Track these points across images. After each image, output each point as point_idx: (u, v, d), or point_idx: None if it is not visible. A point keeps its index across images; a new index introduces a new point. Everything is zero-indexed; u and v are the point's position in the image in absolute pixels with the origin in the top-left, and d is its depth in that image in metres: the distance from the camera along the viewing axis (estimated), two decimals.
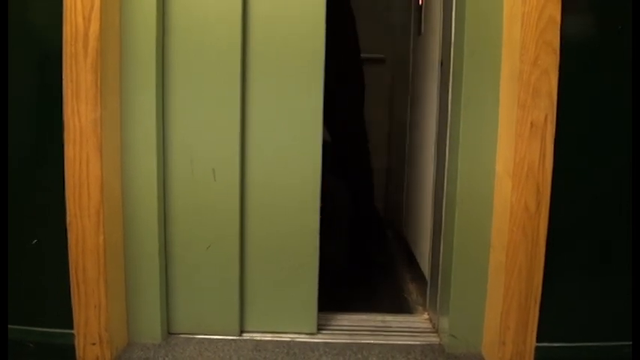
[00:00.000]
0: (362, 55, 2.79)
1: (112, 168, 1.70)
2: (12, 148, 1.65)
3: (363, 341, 1.93)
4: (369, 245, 2.77)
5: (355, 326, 2.06)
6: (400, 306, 2.30)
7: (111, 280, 1.71)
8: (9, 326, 1.69)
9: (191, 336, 1.92)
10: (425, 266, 2.27)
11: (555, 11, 1.57)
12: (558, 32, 1.58)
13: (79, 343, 1.71)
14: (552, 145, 1.61)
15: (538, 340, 1.69)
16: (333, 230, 2.49)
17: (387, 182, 3.53)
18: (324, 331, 2.00)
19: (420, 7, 2.56)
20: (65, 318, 1.70)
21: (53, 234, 1.67)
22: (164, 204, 1.82)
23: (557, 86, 1.60)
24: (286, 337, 1.94)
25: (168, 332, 1.91)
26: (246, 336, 1.94)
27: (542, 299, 1.66)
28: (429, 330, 2.04)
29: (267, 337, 1.94)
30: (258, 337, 1.94)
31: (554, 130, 1.61)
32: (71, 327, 1.70)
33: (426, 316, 2.17)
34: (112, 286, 1.71)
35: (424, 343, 1.93)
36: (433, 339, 1.96)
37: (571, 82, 1.61)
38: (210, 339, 1.91)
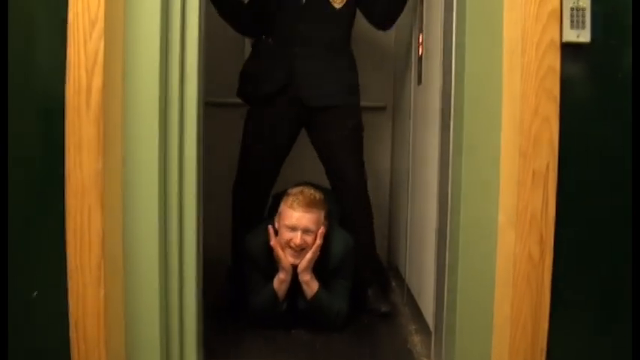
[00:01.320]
0: (363, 103, 2.82)
1: (114, 220, 1.69)
2: (13, 199, 1.65)
3: None
4: (372, 295, 2.73)
5: None
6: (404, 358, 2.26)
7: (111, 339, 1.67)
8: None
9: None
10: (429, 317, 2.24)
11: (555, 61, 1.59)
12: (558, 81, 1.59)
13: None
14: (555, 194, 1.61)
15: None
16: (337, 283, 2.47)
17: (389, 229, 3.52)
18: None
19: (420, 57, 2.59)
20: None
21: (53, 287, 1.65)
22: (165, 257, 1.80)
23: (558, 134, 1.60)
24: None
25: None
26: None
27: (547, 352, 1.63)
28: None
29: None
30: None
31: (556, 178, 1.61)
32: None
33: None
34: (112, 344, 1.68)
35: None
36: None
37: (572, 129, 1.62)
38: None
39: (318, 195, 2.39)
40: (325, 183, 2.76)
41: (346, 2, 2.68)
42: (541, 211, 1.60)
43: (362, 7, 2.75)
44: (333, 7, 2.66)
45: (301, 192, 2.37)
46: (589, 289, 1.66)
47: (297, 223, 2.30)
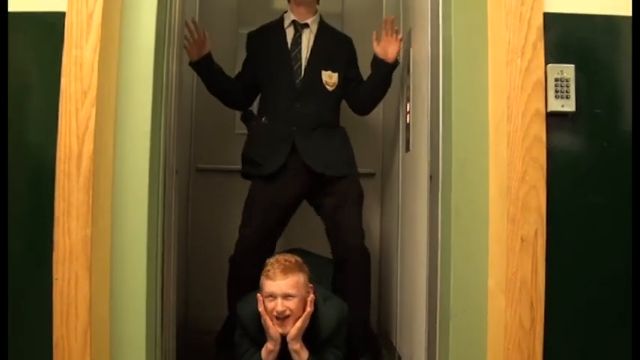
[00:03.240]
0: None
1: (101, 287, 1.68)
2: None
3: None
4: None
5: None
6: None
7: None
8: None
9: None
10: None
11: (540, 131, 1.62)
12: (544, 150, 1.62)
13: None
14: (544, 260, 1.61)
15: None
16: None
17: (379, 295, 3.49)
18: None
19: (408, 125, 2.63)
20: None
21: (40, 355, 1.61)
22: (155, 323, 1.78)
23: (545, 201, 1.62)
24: None
25: None
26: None
27: None
28: None
29: None
30: None
31: (545, 244, 1.61)
32: None
33: None
34: None
35: None
36: None
37: (559, 196, 1.64)
38: None
39: (294, 259, 2.37)
40: (319, 248, 2.78)
41: (338, 85, 2.77)
42: (531, 278, 1.60)
43: (344, 95, 2.84)
44: (327, 89, 2.74)
45: (276, 260, 2.35)
46: (583, 357, 1.64)
47: (276, 290, 2.28)
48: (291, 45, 2.79)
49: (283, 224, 2.81)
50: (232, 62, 3.20)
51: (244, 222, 2.77)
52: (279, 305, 2.26)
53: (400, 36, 2.63)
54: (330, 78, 2.76)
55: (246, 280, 2.59)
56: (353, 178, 2.79)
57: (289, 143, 2.69)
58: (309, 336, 2.35)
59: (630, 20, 1.68)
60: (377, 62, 2.70)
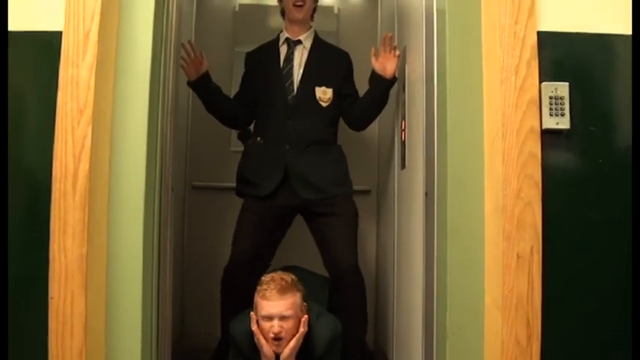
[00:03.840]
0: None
1: (97, 305, 1.67)
2: None
3: None
4: None
5: None
6: None
7: None
8: None
9: None
10: None
11: (535, 148, 1.63)
12: (539, 167, 1.62)
13: None
14: (540, 277, 1.61)
15: None
16: None
17: (375, 313, 3.48)
18: None
19: (404, 142, 2.64)
20: None
21: None
22: (150, 342, 1.77)
23: (541, 218, 1.62)
24: None
25: None
26: None
27: None
28: None
29: None
30: None
31: (540, 260, 1.62)
32: None
33: None
34: None
35: None
36: None
37: (555, 213, 1.64)
38: None
39: (290, 278, 2.35)
40: (316, 265, 2.77)
41: (332, 101, 2.77)
42: (527, 295, 1.60)
43: (340, 110, 2.84)
44: (321, 105, 2.75)
45: (272, 279, 2.33)
46: None
47: (273, 312, 2.25)
48: (284, 62, 2.80)
49: (277, 240, 2.80)
50: (229, 81, 3.21)
51: (237, 239, 2.76)
52: (275, 327, 2.24)
53: (398, 52, 2.65)
54: (324, 94, 2.76)
55: (239, 297, 2.58)
56: (346, 198, 2.78)
57: (282, 164, 2.69)
58: (302, 354, 2.33)
59: (623, 39, 1.69)
60: (375, 78, 2.71)
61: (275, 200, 2.69)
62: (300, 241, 2.91)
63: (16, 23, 1.70)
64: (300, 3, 2.76)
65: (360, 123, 2.90)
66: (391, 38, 2.66)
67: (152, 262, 1.81)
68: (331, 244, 2.70)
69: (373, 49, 2.72)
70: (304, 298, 2.35)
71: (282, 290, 2.27)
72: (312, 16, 2.87)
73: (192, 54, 2.68)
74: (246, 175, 2.78)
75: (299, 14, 2.77)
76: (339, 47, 3.02)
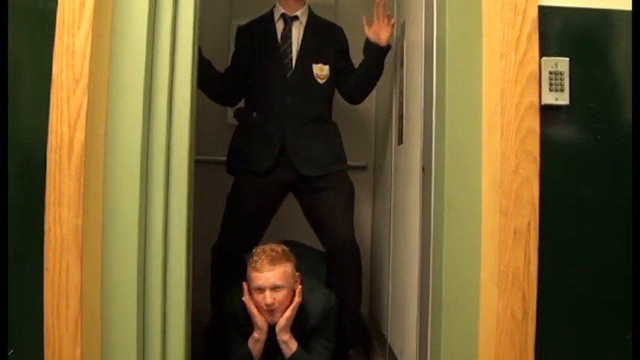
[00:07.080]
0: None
1: (92, 276, 1.66)
2: None
3: None
4: (353, 356, 2.69)
5: None
6: None
7: None
8: None
9: None
10: None
11: (534, 123, 1.62)
12: (538, 142, 1.62)
13: None
14: (537, 252, 1.61)
15: None
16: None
17: (371, 288, 3.49)
18: None
19: (401, 117, 2.63)
20: None
21: (31, 345, 1.60)
22: (143, 313, 1.77)
23: (538, 193, 1.62)
24: None
25: None
26: None
27: None
28: None
29: None
30: None
31: (537, 236, 1.62)
32: None
33: None
34: None
35: None
36: None
37: (553, 189, 1.64)
38: None
39: (280, 249, 2.36)
40: (313, 241, 2.78)
41: (329, 78, 2.76)
42: (523, 270, 1.61)
43: (336, 84, 2.84)
44: (318, 82, 2.73)
45: (262, 251, 2.34)
46: (575, 349, 1.65)
47: (264, 282, 2.27)
48: (281, 38, 2.78)
49: (269, 218, 2.81)
50: (226, 55, 3.18)
51: (229, 218, 2.76)
52: (267, 298, 2.26)
53: (393, 20, 2.62)
54: (321, 71, 2.75)
55: (230, 271, 2.59)
56: (342, 173, 2.79)
57: (280, 140, 2.68)
58: (296, 325, 2.35)
59: (625, 14, 1.68)
60: (369, 46, 2.69)
61: (271, 176, 2.68)
62: (297, 218, 2.91)
63: None
64: None
65: (357, 94, 2.89)
66: (384, 5, 2.63)
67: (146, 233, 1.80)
68: (328, 218, 2.71)
69: (364, 18, 2.69)
70: (297, 269, 2.36)
71: (273, 261, 2.28)
72: None
73: None
74: (239, 151, 2.77)
75: None
76: (334, 22, 2.99)
